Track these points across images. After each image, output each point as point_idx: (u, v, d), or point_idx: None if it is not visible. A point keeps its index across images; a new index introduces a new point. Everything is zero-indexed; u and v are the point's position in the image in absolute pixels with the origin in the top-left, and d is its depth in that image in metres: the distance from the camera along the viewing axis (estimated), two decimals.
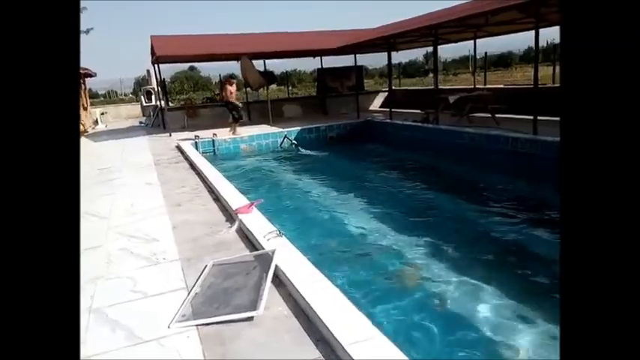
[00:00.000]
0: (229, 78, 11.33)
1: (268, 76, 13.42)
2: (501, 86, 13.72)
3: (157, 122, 14.76)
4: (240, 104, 11.27)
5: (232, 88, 11.10)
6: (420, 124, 10.53)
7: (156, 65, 12.88)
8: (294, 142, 10.98)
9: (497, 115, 9.56)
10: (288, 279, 2.91)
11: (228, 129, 10.98)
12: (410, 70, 38.43)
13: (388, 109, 12.19)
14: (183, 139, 10.52)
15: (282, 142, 10.99)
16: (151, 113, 15.44)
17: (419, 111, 11.57)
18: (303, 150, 10.63)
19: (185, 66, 37.32)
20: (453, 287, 3.54)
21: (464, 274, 3.69)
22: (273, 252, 3.31)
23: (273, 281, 3.01)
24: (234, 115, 10.96)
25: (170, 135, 11.57)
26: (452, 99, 9.91)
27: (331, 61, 17.01)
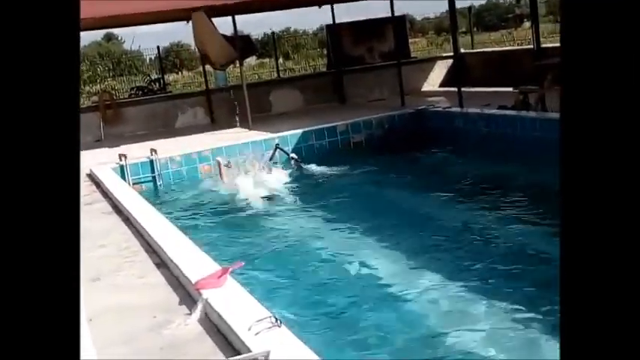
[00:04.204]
0: None
1: (242, 44, 13.68)
2: None
3: None
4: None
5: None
6: (512, 112, 10.54)
7: None
8: (292, 155, 11.13)
9: None
10: None
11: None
12: (489, 18, 38.90)
13: (455, 89, 12.29)
14: (99, 162, 10.69)
15: (272, 157, 11.11)
16: None
17: (510, 89, 11.64)
18: (307, 167, 10.81)
19: (97, 35, 38.26)
20: None
21: None
22: (266, 356, 3.31)
23: None
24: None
25: None
26: None
27: (350, 11, 17.33)
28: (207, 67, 15.50)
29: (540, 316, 4.67)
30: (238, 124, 13.06)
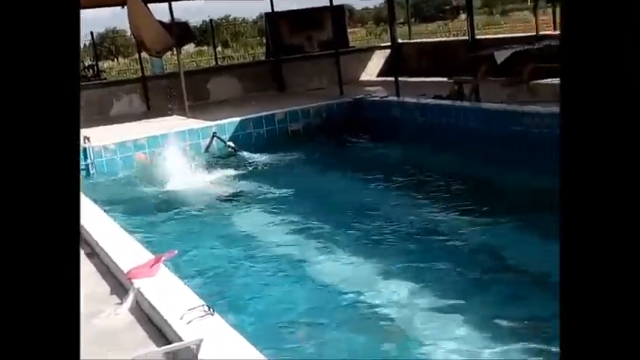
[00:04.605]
0: None
1: (179, 31, 13.48)
2: None
3: None
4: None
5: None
6: (447, 101, 10.70)
7: None
8: (229, 143, 11.04)
9: None
10: None
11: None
12: (427, 9, 39.37)
13: (393, 79, 12.40)
14: None
15: (209, 145, 11.02)
16: None
17: (445, 79, 11.81)
18: (245, 154, 10.76)
19: None
20: None
21: None
22: (198, 344, 3.28)
23: None
24: None
25: None
26: (501, 57, 10.19)
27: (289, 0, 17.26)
28: (144, 54, 15.23)
29: (458, 295, 4.94)
30: (175, 112, 12.89)
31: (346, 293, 5.30)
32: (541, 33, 13.73)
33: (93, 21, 24.83)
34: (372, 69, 16.96)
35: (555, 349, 4.06)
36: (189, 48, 26.11)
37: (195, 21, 22.49)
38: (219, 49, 23.52)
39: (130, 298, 4.11)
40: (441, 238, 6.45)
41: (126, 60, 28.72)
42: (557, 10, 15.14)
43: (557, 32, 13.53)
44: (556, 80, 10.43)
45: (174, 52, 13.99)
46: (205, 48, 28.61)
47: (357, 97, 12.60)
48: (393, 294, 5.12)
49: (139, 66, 16.00)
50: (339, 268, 5.84)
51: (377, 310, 4.93)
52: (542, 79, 10.56)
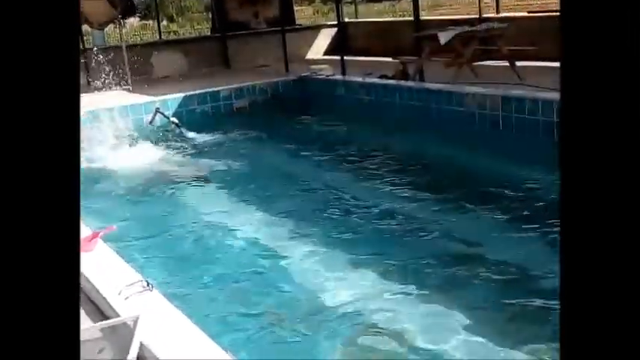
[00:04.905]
0: None
1: (122, 3, 13.20)
2: (525, 14, 14.47)
3: None
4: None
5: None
6: (392, 81, 10.80)
7: None
8: (172, 119, 10.92)
9: (519, 64, 10.02)
10: None
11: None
12: None
13: (339, 58, 12.42)
14: None
15: (151, 120, 10.88)
16: None
17: (390, 59, 11.89)
18: (188, 133, 10.65)
19: None
20: None
21: None
22: (136, 320, 3.27)
23: None
24: None
25: None
26: (444, 38, 10.31)
27: None
28: (85, 26, 14.86)
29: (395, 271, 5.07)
30: (117, 86, 12.65)
31: (288, 265, 5.39)
32: (484, 15, 13.92)
33: None
34: (319, 47, 16.96)
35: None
36: (134, 22, 25.61)
37: None
38: (164, 23, 23.13)
39: None
40: (375, 206, 6.67)
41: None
42: None
43: (500, 15, 13.77)
44: (497, 62, 10.65)
45: (117, 26, 13.71)
46: (150, 22, 28.06)
47: (303, 75, 12.59)
48: (334, 264, 5.26)
49: (80, 38, 15.60)
50: (282, 243, 5.88)
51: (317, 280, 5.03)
52: (484, 60, 10.75)
